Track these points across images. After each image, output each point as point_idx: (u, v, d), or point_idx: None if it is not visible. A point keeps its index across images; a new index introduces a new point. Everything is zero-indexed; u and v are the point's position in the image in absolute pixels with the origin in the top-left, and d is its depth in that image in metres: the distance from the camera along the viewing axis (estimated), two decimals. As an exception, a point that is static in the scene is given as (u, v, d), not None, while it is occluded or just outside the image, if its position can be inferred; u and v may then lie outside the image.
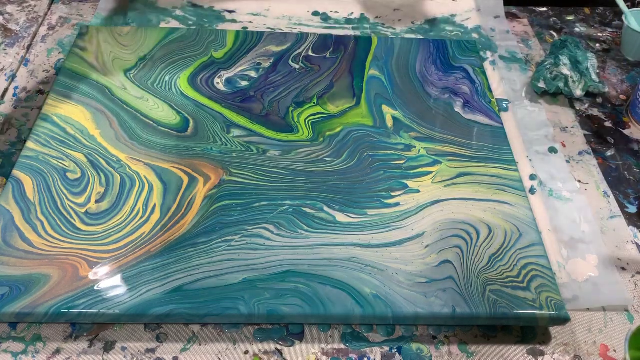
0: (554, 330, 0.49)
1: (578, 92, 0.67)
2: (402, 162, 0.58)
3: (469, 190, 0.55)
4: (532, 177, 0.60)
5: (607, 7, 0.85)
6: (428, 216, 0.53)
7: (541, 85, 0.68)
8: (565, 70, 0.67)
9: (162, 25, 0.76)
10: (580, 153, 0.63)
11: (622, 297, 0.50)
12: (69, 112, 0.60)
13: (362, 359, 0.46)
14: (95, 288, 0.46)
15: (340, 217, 0.52)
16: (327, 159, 0.57)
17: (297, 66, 0.68)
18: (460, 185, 0.56)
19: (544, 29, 0.81)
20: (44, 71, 0.69)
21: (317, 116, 0.62)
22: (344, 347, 0.47)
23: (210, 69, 0.66)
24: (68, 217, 0.51)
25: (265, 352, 0.46)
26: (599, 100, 0.70)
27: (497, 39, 0.78)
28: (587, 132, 0.66)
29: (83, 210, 0.51)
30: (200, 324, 0.47)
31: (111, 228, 0.50)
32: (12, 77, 0.68)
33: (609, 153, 0.64)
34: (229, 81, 0.65)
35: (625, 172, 0.62)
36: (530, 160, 0.62)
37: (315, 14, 0.80)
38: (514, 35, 0.79)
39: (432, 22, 0.80)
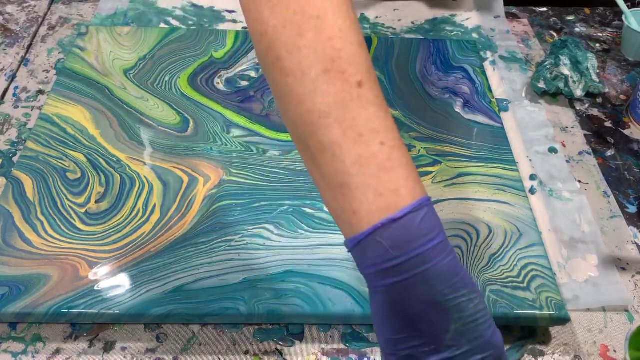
0: (554, 330, 0.49)
1: (578, 92, 0.67)
2: (402, 162, 0.57)
3: (469, 190, 0.55)
4: (532, 177, 0.60)
5: (607, 7, 0.85)
6: (428, 216, 0.53)
7: (541, 85, 0.68)
8: (565, 71, 0.67)
9: (162, 25, 0.76)
10: (580, 153, 0.63)
11: (622, 297, 0.50)
12: (69, 112, 0.60)
13: (362, 359, 0.46)
14: (95, 288, 0.46)
15: (340, 217, 0.52)
16: (327, 159, 0.57)
17: (297, 66, 0.68)
18: (460, 185, 0.56)
19: (544, 29, 0.81)
20: (44, 71, 0.69)
21: (317, 116, 0.62)
22: (344, 347, 0.47)
23: (210, 69, 0.66)
24: (68, 217, 0.51)
25: (265, 352, 0.46)
26: (599, 100, 0.70)
27: (497, 39, 0.78)
28: (587, 132, 0.66)
29: (83, 210, 0.51)
30: (200, 324, 0.47)
31: (111, 228, 0.50)
32: (12, 77, 0.68)
33: (609, 153, 0.64)
34: (229, 81, 0.65)
35: (625, 172, 0.62)
36: (530, 160, 0.62)
37: (315, 14, 0.80)
38: (514, 35, 0.79)
39: (432, 22, 0.80)
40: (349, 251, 0.32)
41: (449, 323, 0.30)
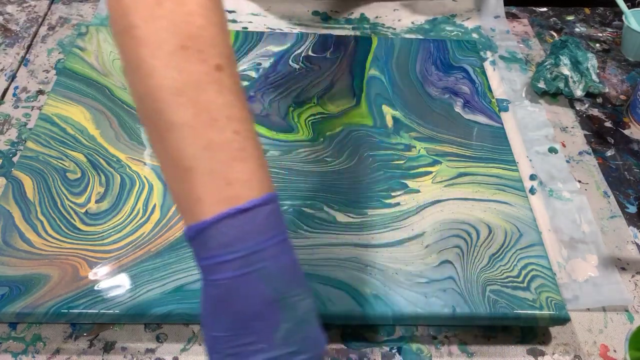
0: (554, 330, 0.49)
1: (578, 92, 0.67)
2: (402, 162, 0.58)
3: (469, 190, 0.55)
4: (532, 177, 0.60)
5: (607, 7, 0.85)
6: (428, 216, 0.53)
7: (541, 85, 0.68)
8: (566, 71, 0.67)
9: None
10: (580, 153, 0.63)
11: (622, 297, 0.50)
12: (69, 112, 0.60)
13: (362, 359, 0.46)
14: (95, 288, 0.46)
15: (340, 217, 0.52)
16: (327, 159, 0.57)
17: (297, 66, 0.68)
18: (460, 185, 0.56)
19: (544, 29, 0.81)
20: (44, 71, 0.69)
21: (317, 116, 0.62)
22: (344, 347, 0.47)
23: (210, 69, 0.66)
24: (68, 217, 0.51)
25: (265, 352, 0.46)
26: (599, 100, 0.70)
27: (497, 39, 0.78)
28: (587, 132, 0.66)
29: (83, 210, 0.51)
30: (200, 324, 0.47)
31: (111, 228, 0.50)
32: (12, 77, 0.68)
33: (609, 153, 0.64)
34: (229, 81, 0.65)
35: (625, 172, 0.62)
36: (530, 160, 0.62)
37: (315, 14, 0.80)
38: (514, 35, 0.79)
39: (432, 22, 0.80)
40: (187, 240, 0.30)
41: (280, 322, 0.29)
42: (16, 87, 0.66)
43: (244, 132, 0.30)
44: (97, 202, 0.52)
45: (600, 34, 0.80)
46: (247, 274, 0.29)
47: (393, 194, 0.55)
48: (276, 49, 0.70)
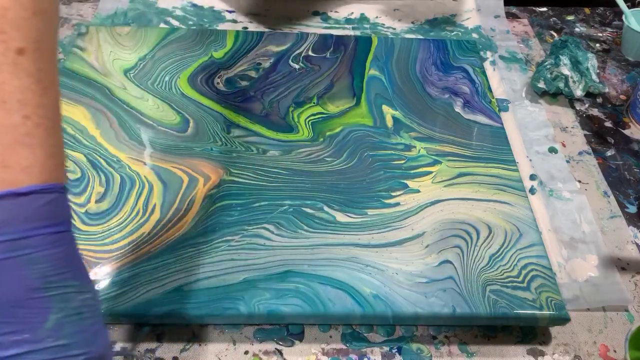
0: (554, 330, 0.49)
1: (578, 92, 0.67)
2: (402, 162, 0.58)
3: (469, 190, 0.55)
4: (532, 177, 0.60)
5: (607, 7, 0.85)
6: (428, 216, 0.53)
7: (541, 85, 0.68)
8: (566, 71, 0.67)
9: (162, 25, 0.76)
10: (580, 153, 0.63)
11: (622, 297, 0.50)
12: (69, 112, 0.60)
13: (362, 359, 0.46)
14: (95, 288, 0.46)
15: (340, 217, 0.52)
16: (327, 159, 0.57)
17: (297, 66, 0.68)
18: (460, 185, 0.56)
19: (544, 29, 0.81)
20: (44, 71, 0.69)
21: (317, 116, 0.62)
22: (344, 347, 0.47)
23: (210, 69, 0.66)
24: (68, 217, 0.51)
25: (265, 352, 0.46)
26: (599, 100, 0.70)
27: (497, 39, 0.78)
28: (587, 132, 0.66)
29: (83, 210, 0.51)
30: (200, 324, 0.47)
31: (111, 228, 0.50)
32: (12, 77, 0.68)
33: (609, 153, 0.64)
34: (229, 81, 0.65)
35: (625, 172, 0.62)
36: (530, 160, 0.62)
37: (315, 14, 0.80)
38: (514, 35, 0.79)
39: (432, 22, 0.80)
40: None
41: (50, 312, 0.28)
42: (16, 87, 0.66)
43: (37, 118, 0.30)
44: (97, 202, 0.52)
45: (600, 34, 0.80)
46: (8, 259, 0.28)
47: (393, 194, 0.55)
48: (276, 49, 0.70)
